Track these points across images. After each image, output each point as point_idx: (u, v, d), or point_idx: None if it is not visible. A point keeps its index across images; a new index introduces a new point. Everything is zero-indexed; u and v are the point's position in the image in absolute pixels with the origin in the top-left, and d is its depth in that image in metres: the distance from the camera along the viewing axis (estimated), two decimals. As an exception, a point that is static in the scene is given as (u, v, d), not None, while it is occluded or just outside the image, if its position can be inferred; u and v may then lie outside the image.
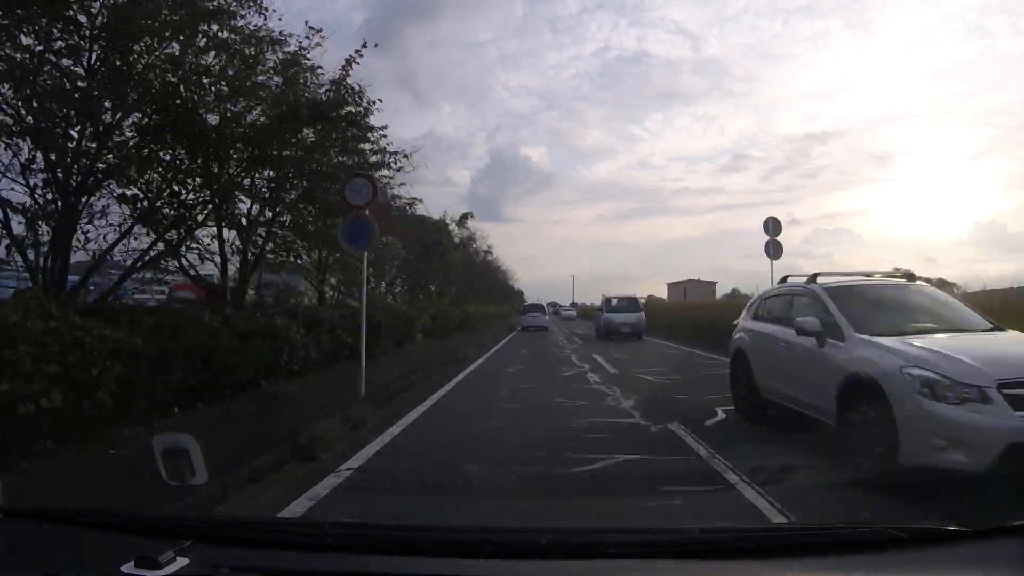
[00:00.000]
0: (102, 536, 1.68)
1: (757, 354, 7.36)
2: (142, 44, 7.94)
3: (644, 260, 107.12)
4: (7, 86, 7.20)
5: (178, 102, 8.23)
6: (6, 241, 7.53)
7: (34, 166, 7.55)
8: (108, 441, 5.48)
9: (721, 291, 58.85)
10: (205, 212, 9.74)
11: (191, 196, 9.49)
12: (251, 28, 8.95)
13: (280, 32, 9.36)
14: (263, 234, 11.04)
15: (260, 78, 9.26)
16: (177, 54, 8.23)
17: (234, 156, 9.46)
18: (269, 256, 11.74)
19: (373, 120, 10.75)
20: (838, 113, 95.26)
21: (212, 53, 8.68)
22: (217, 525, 1.86)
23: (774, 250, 14.92)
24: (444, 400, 9.42)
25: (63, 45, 7.50)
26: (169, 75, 8.21)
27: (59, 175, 7.58)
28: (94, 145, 7.91)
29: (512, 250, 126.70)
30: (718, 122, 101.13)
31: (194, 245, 9.91)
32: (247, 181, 10.23)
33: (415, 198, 21.60)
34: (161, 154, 8.98)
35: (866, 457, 4.80)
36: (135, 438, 5.44)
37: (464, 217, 36.29)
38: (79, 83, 7.61)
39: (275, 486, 4.84)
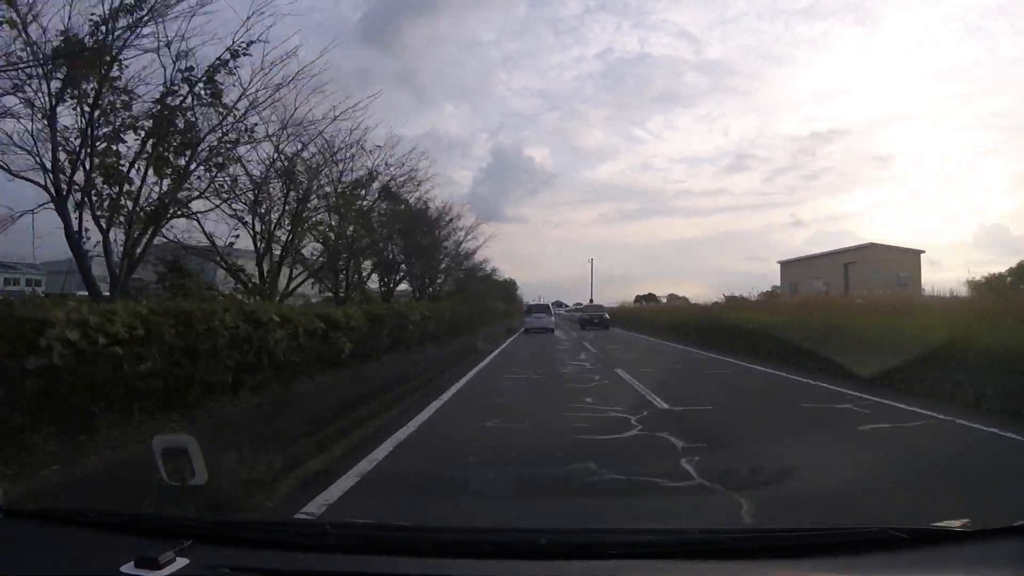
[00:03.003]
0: (102, 536, 1.67)
1: None
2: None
3: (646, 260, 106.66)
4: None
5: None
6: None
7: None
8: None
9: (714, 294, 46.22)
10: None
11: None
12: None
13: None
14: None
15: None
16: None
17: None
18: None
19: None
20: (840, 115, 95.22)
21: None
22: (217, 525, 1.85)
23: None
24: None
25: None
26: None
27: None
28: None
29: (514, 250, 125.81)
30: (720, 124, 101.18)
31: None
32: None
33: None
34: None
35: None
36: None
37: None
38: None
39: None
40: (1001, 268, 27.99)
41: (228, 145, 9.98)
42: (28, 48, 7.61)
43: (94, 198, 8.56)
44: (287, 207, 12.61)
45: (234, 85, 9.56)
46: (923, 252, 36.41)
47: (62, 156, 8.19)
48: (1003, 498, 4.11)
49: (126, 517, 1.78)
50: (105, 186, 8.68)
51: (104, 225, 8.69)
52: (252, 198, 11.73)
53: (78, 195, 8.36)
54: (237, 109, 9.67)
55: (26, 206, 8.32)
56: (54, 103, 8.04)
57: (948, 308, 13.44)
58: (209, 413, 6.15)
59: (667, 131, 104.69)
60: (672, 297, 54.74)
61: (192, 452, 1.94)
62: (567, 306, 74.99)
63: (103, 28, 8.10)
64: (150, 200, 9.24)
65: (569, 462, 4.88)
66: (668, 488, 4.31)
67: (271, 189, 12.28)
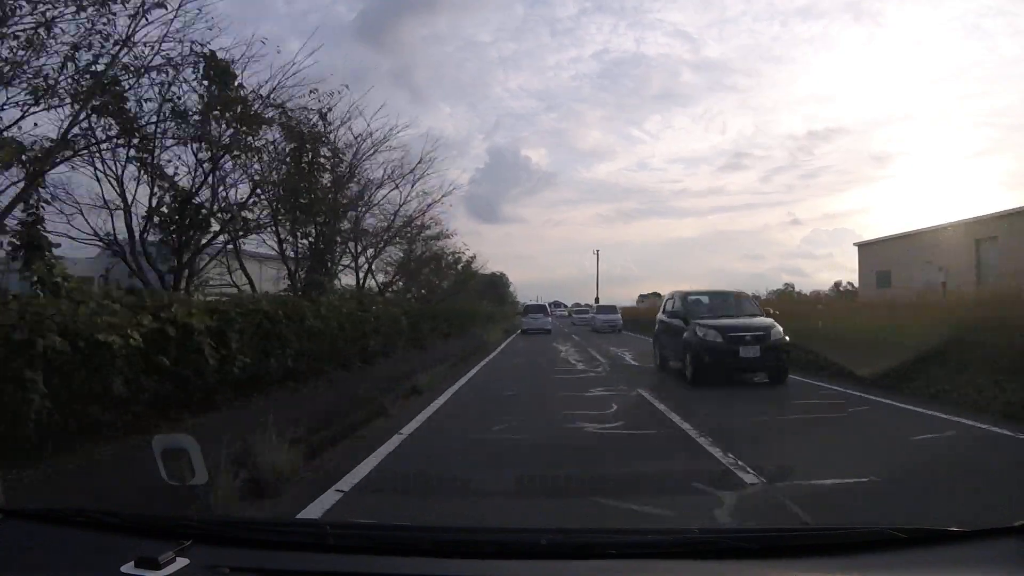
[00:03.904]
0: (102, 536, 1.67)
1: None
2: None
3: (644, 260, 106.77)
4: None
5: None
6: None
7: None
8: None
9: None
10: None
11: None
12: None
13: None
14: None
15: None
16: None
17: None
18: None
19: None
20: (837, 114, 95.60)
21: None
22: (217, 525, 1.85)
23: None
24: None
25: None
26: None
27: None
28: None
29: (511, 251, 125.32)
30: (717, 125, 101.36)
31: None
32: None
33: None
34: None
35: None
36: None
37: None
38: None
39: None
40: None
41: None
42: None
43: None
44: None
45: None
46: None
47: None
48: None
49: (126, 517, 1.78)
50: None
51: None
52: None
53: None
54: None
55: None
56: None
57: None
58: None
59: (665, 131, 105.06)
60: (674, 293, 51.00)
61: (192, 452, 1.94)
62: (565, 306, 67.35)
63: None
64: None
65: None
66: None
67: None
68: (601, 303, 37.26)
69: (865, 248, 32.91)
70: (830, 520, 3.84)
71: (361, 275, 18.69)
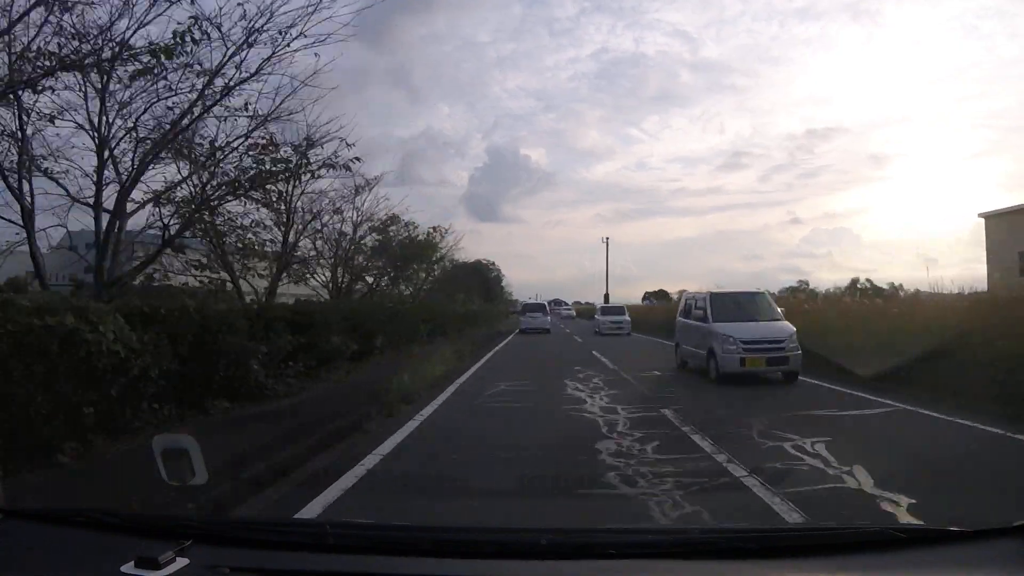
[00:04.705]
0: (102, 536, 1.67)
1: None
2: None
3: (644, 260, 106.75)
4: None
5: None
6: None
7: None
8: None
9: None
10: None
11: None
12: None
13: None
14: None
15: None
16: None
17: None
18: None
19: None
20: (836, 115, 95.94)
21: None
22: (217, 525, 1.85)
23: None
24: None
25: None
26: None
27: None
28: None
29: (511, 250, 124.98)
30: (715, 124, 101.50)
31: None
32: None
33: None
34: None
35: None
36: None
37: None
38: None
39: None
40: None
41: None
42: None
43: None
44: None
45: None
46: None
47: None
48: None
49: (126, 517, 1.78)
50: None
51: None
52: None
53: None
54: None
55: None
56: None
57: None
58: None
59: (663, 131, 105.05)
60: (681, 292, 47.05)
61: (192, 452, 1.94)
62: (567, 305, 65.29)
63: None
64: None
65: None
66: None
67: None
68: (723, 289, 13.14)
69: (997, 220, 22.17)
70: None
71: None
